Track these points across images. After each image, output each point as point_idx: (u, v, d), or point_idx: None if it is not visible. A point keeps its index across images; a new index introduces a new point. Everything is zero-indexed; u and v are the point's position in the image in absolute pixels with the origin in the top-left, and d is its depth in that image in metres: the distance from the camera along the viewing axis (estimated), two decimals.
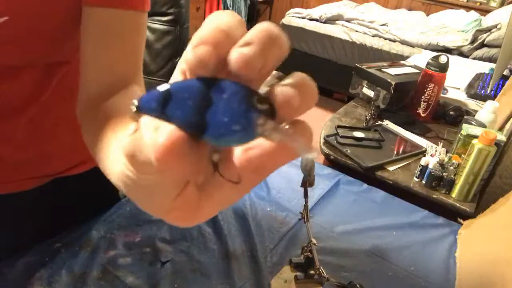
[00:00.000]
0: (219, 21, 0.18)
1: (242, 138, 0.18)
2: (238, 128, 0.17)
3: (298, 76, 0.18)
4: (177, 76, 0.20)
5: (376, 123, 1.32)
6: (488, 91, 1.56)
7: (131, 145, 0.20)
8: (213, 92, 0.18)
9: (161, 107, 0.18)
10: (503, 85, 1.52)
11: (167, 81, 0.19)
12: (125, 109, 0.39)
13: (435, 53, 1.40)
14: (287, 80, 0.18)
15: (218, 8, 4.40)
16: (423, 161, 1.05)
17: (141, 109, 0.19)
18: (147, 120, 0.19)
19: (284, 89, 0.18)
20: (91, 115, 0.43)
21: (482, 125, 1.08)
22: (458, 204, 0.99)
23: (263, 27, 0.18)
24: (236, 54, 0.17)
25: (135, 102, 0.19)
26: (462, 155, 1.02)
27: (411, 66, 1.49)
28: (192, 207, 0.23)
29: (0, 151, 0.58)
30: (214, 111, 0.17)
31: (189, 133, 0.18)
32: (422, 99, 1.33)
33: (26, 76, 0.53)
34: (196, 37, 0.18)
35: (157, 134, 0.17)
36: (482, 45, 2.82)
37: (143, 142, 0.19)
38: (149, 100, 0.19)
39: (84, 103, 0.46)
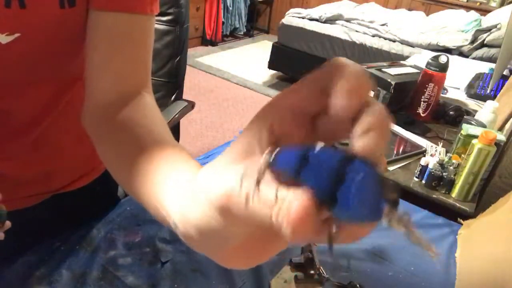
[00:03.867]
0: (357, 69, 0.19)
1: (367, 221, 0.18)
2: (367, 213, 0.18)
3: None
4: (259, 128, 0.21)
5: None
6: (488, 91, 1.56)
7: (231, 200, 0.20)
8: (348, 169, 0.18)
9: (296, 170, 0.18)
10: (503, 85, 1.52)
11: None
12: (162, 136, 0.38)
13: (435, 53, 1.40)
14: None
15: (218, 8, 4.40)
16: (423, 161, 1.05)
17: (275, 165, 0.19)
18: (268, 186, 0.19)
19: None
20: (107, 127, 0.41)
21: (482, 125, 1.08)
22: (458, 204, 0.99)
23: (380, 111, 0.19)
24: (361, 144, 0.18)
25: (269, 157, 0.19)
26: (462, 155, 1.02)
27: (411, 66, 1.49)
28: (257, 252, 0.24)
29: (3, 169, 0.57)
30: (346, 191, 0.18)
31: (318, 202, 0.18)
32: (422, 99, 1.33)
33: (37, 94, 0.53)
34: (343, 86, 0.18)
35: (290, 198, 0.17)
36: (482, 45, 2.82)
37: (242, 197, 0.19)
38: (286, 160, 0.19)
39: (93, 112, 0.45)
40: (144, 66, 0.47)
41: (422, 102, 1.34)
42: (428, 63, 1.30)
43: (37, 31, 0.43)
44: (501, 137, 0.98)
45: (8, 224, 0.49)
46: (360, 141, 0.18)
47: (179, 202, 0.27)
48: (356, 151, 0.19)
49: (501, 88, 1.50)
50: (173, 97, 1.31)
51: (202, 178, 0.23)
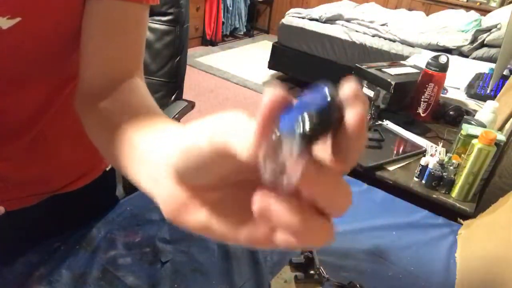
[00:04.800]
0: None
1: (286, 133, 0.18)
2: (290, 126, 0.18)
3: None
4: None
5: (376, 123, 1.32)
6: (488, 91, 1.56)
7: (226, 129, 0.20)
8: (313, 97, 0.18)
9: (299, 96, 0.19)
10: (503, 85, 1.52)
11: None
12: (154, 110, 0.40)
13: (435, 53, 1.40)
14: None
15: (218, 8, 4.40)
16: (423, 161, 1.05)
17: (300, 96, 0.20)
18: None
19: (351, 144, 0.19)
20: (98, 105, 0.43)
21: (482, 125, 1.08)
22: (458, 204, 0.99)
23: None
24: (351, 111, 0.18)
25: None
26: (462, 155, 1.02)
27: (411, 66, 1.49)
28: (186, 209, 0.25)
29: (1, 169, 0.57)
30: (301, 106, 0.18)
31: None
32: (422, 99, 1.33)
33: (34, 91, 0.53)
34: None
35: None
36: (482, 45, 2.82)
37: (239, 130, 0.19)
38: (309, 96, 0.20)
39: (84, 94, 0.46)
40: (136, 54, 0.48)
41: (422, 102, 1.34)
42: (428, 63, 1.30)
43: (38, 16, 0.43)
44: (501, 137, 0.98)
45: (1, 209, 0.49)
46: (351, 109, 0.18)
47: (171, 134, 0.29)
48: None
49: (501, 88, 1.50)
50: (173, 97, 1.31)
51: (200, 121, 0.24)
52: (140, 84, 0.46)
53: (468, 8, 3.71)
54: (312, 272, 0.65)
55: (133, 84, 0.45)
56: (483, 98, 1.51)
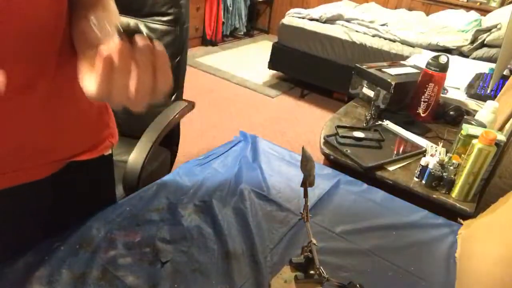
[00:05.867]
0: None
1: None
2: None
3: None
4: None
5: (376, 123, 1.32)
6: (488, 91, 1.56)
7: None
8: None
9: None
10: (503, 85, 1.52)
11: None
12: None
13: (435, 53, 1.40)
14: None
15: (218, 8, 4.40)
16: (423, 161, 1.05)
17: None
18: None
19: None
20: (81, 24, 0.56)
21: (482, 125, 1.08)
22: (458, 204, 0.99)
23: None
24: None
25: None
26: (462, 155, 1.02)
27: (411, 66, 1.49)
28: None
29: (18, 137, 0.57)
30: None
31: None
32: (422, 99, 1.33)
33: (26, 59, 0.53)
34: None
35: None
36: (482, 45, 2.82)
37: None
38: None
39: (75, 10, 0.58)
40: None
41: (422, 102, 1.34)
42: (428, 63, 1.30)
43: None
44: (501, 137, 0.98)
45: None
46: None
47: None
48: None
49: (501, 88, 1.50)
50: (173, 97, 1.31)
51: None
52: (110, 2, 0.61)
53: (468, 8, 3.71)
54: (312, 272, 0.65)
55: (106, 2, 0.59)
56: (483, 98, 1.51)
